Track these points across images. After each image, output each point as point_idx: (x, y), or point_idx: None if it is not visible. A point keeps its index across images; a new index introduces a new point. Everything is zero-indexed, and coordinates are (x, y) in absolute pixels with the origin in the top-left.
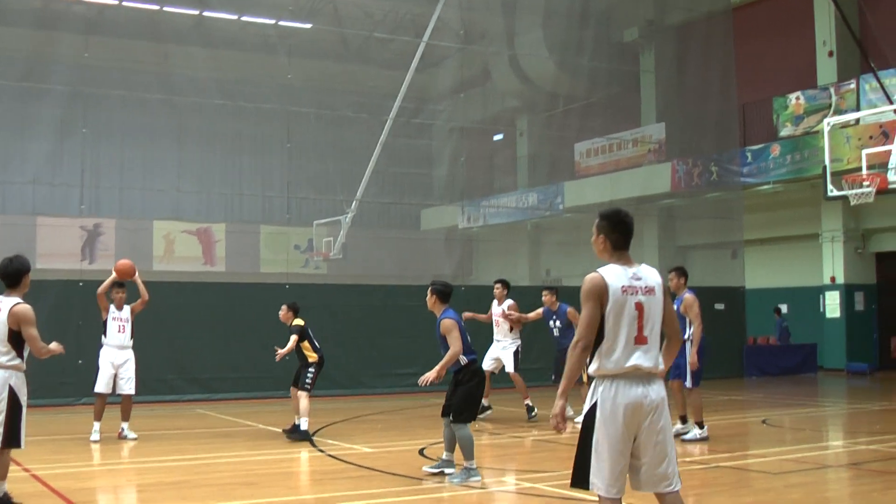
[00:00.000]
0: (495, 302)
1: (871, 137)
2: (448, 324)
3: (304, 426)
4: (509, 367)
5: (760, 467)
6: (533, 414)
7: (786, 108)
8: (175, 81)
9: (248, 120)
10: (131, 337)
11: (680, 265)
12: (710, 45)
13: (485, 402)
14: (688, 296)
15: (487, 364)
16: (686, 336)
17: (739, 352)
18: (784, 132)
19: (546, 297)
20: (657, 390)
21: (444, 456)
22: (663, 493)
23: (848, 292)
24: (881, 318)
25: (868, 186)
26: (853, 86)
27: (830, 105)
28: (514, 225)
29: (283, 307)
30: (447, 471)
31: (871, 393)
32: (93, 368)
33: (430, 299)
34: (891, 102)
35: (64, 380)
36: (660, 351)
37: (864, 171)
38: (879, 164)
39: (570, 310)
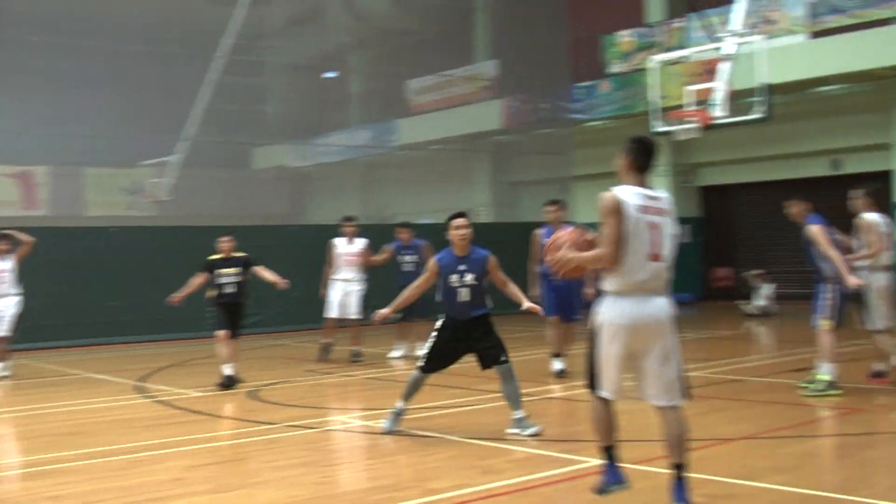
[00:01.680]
0: (343, 241)
1: (696, 74)
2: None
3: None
4: (356, 312)
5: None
6: (360, 358)
7: (615, 46)
8: None
9: (71, 57)
10: (14, 285)
11: (559, 198)
12: None
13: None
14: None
15: (336, 310)
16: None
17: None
18: (613, 69)
19: (403, 233)
20: (662, 306)
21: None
22: (664, 408)
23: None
24: (705, 250)
25: (693, 122)
26: (680, 24)
27: (659, 43)
28: (347, 163)
29: (227, 238)
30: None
31: (695, 322)
32: None
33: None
34: (715, 41)
35: None
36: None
37: (690, 108)
38: (704, 100)
39: (427, 245)
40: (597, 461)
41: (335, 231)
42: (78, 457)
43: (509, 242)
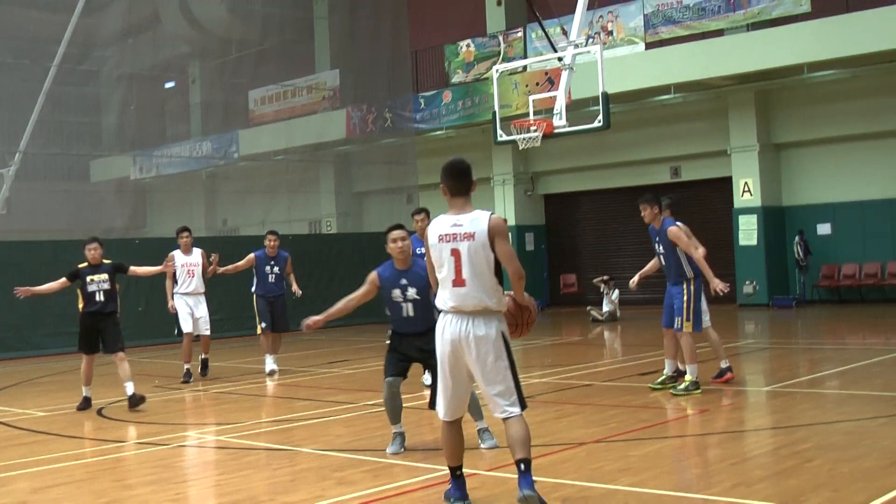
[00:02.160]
0: (178, 253)
1: (537, 84)
2: None
3: (129, 390)
4: (206, 328)
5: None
6: (197, 375)
7: (457, 56)
8: None
9: None
10: None
11: (425, 207)
12: None
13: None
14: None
15: (189, 325)
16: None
17: None
18: (455, 79)
19: (273, 241)
20: (480, 325)
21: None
22: (504, 419)
23: (519, 233)
24: (550, 256)
25: (535, 131)
26: (520, 34)
27: (499, 53)
28: (189, 174)
29: (95, 245)
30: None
31: (541, 328)
32: None
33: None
34: (555, 50)
35: None
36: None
37: (531, 117)
38: (545, 110)
39: (289, 258)
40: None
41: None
42: None
43: (355, 252)
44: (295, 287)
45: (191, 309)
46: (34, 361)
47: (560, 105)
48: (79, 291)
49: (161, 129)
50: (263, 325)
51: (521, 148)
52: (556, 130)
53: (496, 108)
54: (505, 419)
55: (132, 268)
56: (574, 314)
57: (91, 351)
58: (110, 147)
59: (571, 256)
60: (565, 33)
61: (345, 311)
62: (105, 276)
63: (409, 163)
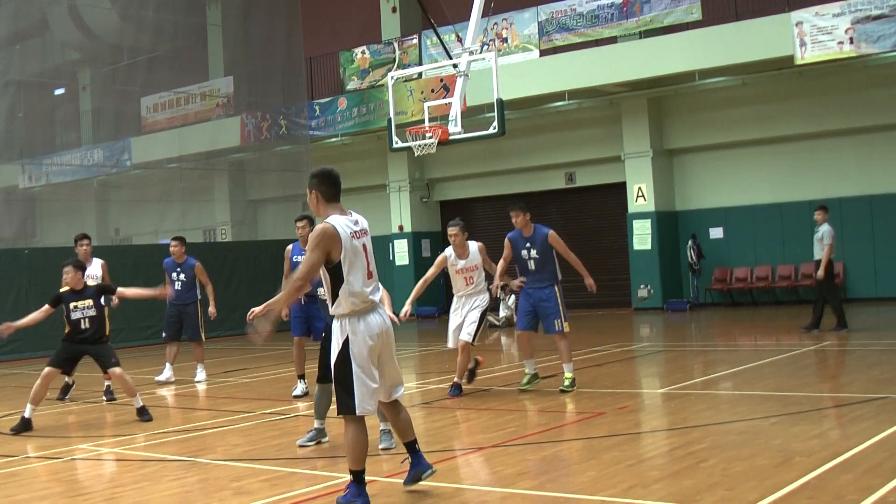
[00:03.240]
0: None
1: (433, 91)
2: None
3: (138, 403)
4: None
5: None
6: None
7: (352, 62)
8: None
9: None
10: None
11: (308, 214)
12: None
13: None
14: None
15: None
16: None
17: None
18: (350, 86)
19: (176, 247)
20: (386, 316)
21: (317, 424)
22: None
23: (415, 240)
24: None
25: (430, 138)
26: (415, 41)
27: (395, 59)
28: (80, 183)
29: (70, 269)
30: (324, 440)
31: (440, 334)
32: None
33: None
34: (450, 57)
35: None
36: None
37: (427, 123)
38: (441, 116)
39: (198, 265)
40: (346, 477)
41: (70, 253)
42: None
43: (250, 260)
44: (212, 307)
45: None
46: None
47: (455, 112)
48: (64, 318)
49: (51, 136)
50: (164, 334)
51: (416, 154)
52: (452, 137)
53: (391, 115)
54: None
55: (120, 289)
56: None
57: (66, 370)
58: None
59: None
60: (460, 40)
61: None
62: (90, 301)
63: (304, 170)
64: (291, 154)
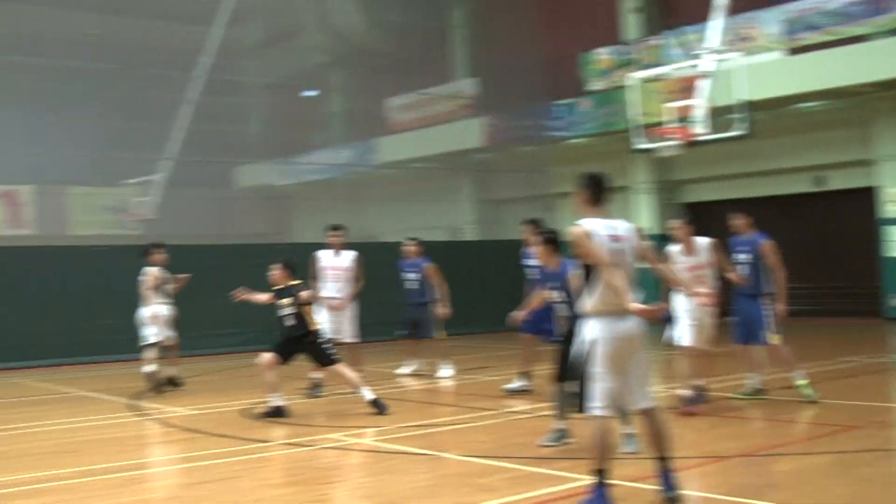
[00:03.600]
0: (329, 253)
1: (675, 91)
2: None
3: (368, 396)
4: (350, 335)
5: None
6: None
7: (594, 63)
8: None
9: (53, 78)
10: None
11: (535, 217)
12: (518, 0)
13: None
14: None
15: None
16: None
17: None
18: (593, 87)
19: (412, 247)
20: (636, 322)
21: (559, 425)
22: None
23: (659, 243)
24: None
25: (674, 139)
26: (658, 41)
27: (637, 60)
28: (329, 182)
29: (276, 267)
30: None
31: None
32: None
33: (542, 250)
34: (693, 57)
35: None
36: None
37: (670, 125)
38: (684, 117)
39: (429, 266)
40: (590, 479)
41: (320, 248)
42: (73, 475)
43: (493, 259)
44: (443, 307)
45: (332, 316)
46: (187, 362)
47: (699, 113)
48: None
49: (303, 137)
50: (404, 332)
51: (659, 156)
52: (696, 138)
53: (634, 116)
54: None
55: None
56: (722, 325)
57: (284, 359)
58: (254, 155)
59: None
60: (703, 40)
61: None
62: (289, 300)
63: (546, 171)
64: (534, 155)
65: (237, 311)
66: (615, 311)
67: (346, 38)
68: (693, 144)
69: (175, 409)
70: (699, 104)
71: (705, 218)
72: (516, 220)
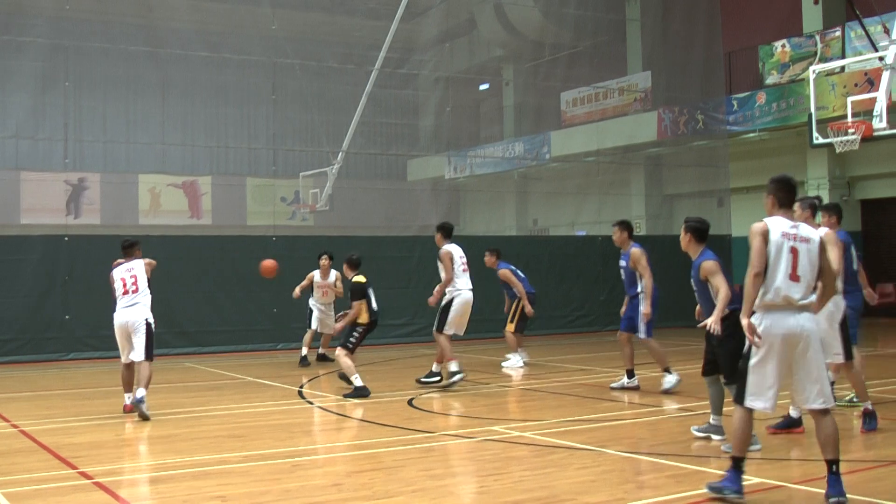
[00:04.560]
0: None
1: (856, 85)
2: (710, 266)
3: (357, 382)
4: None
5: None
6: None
7: (771, 56)
8: (158, 33)
9: (232, 72)
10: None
11: (625, 219)
12: None
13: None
14: (634, 250)
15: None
16: (638, 289)
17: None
18: (770, 80)
19: (489, 259)
20: (809, 321)
21: (712, 420)
22: (819, 410)
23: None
24: (866, 264)
25: (853, 134)
26: (838, 33)
27: (816, 53)
28: (501, 175)
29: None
30: (715, 437)
31: (859, 338)
32: (80, 324)
33: (685, 238)
34: (875, 50)
35: (51, 335)
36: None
37: (850, 119)
38: (864, 112)
39: (504, 271)
40: (756, 480)
41: (490, 241)
42: (241, 459)
43: (664, 253)
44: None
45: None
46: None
47: (880, 107)
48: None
49: (475, 130)
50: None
51: (837, 151)
52: (876, 133)
53: (812, 110)
54: (823, 410)
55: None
56: (892, 325)
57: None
58: (426, 147)
59: (890, 265)
60: (887, 32)
61: None
62: None
63: (720, 166)
64: (708, 149)
65: (405, 301)
66: (779, 307)
67: (521, 32)
68: (873, 139)
69: (342, 398)
70: (880, 97)
71: (884, 214)
72: (688, 214)
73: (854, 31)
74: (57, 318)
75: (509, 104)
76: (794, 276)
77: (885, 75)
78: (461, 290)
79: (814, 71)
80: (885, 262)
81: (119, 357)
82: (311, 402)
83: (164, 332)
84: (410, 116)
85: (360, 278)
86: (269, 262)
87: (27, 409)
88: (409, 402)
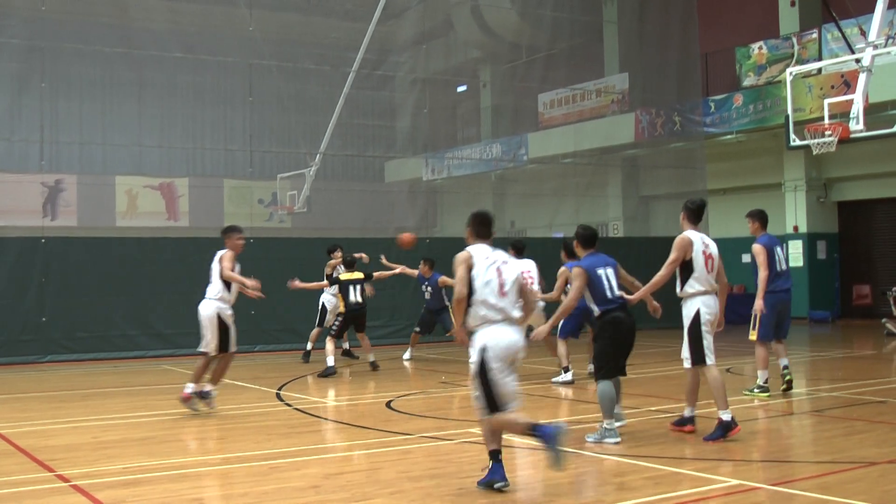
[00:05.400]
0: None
1: (832, 87)
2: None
3: (329, 362)
4: None
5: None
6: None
7: (748, 58)
8: (134, 34)
9: (208, 73)
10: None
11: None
12: None
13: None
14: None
15: None
16: None
17: None
18: (747, 82)
19: (423, 268)
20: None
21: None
22: None
23: (810, 241)
24: (843, 266)
25: (830, 136)
26: (815, 35)
27: (793, 55)
28: (479, 176)
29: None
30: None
31: (832, 340)
32: (56, 326)
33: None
34: (852, 52)
35: (27, 337)
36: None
37: (827, 121)
38: (841, 114)
39: (441, 278)
40: (734, 482)
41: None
42: (219, 461)
43: (641, 255)
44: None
45: None
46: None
47: (857, 109)
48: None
49: (452, 131)
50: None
51: (814, 153)
52: (853, 135)
53: (789, 112)
54: None
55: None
56: (867, 327)
57: None
58: (404, 149)
59: (866, 267)
60: (864, 34)
61: None
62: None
63: (697, 167)
64: (686, 151)
65: (383, 303)
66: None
67: (498, 34)
68: (850, 141)
69: (320, 399)
70: (857, 100)
71: (861, 216)
72: (666, 216)
73: (830, 34)
74: (33, 321)
75: (486, 106)
76: (502, 293)
77: (862, 77)
78: None
79: (791, 73)
80: (862, 264)
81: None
82: (289, 405)
83: (138, 333)
84: (387, 118)
85: (347, 275)
86: (407, 235)
87: (3, 411)
88: (388, 405)
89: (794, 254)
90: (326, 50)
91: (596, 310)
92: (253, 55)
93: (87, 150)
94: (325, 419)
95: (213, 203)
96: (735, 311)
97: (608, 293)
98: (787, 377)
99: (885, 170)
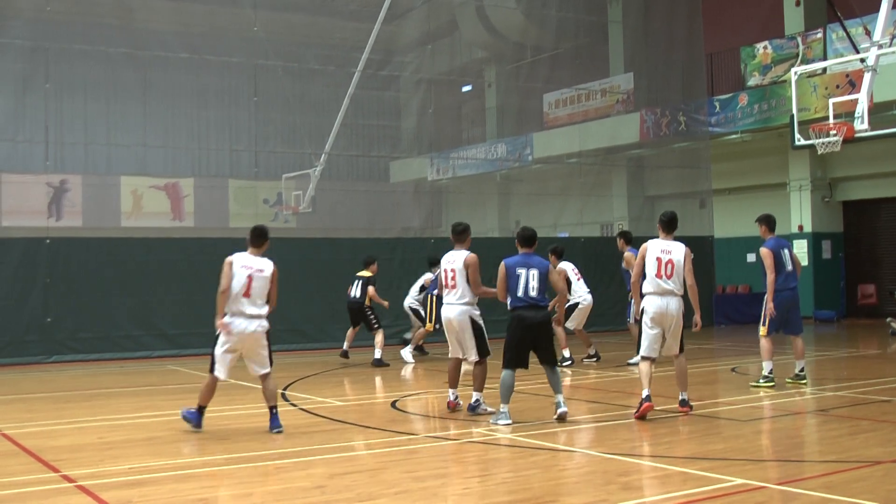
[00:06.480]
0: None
1: (837, 86)
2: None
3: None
4: None
5: (730, 414)
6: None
7: (753, 58)
8: (139, 35)
9: (214, 73)
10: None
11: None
12: None
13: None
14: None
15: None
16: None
17: (709, 300)
18: (751, 82)
19: (429, 277)
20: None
21: (502, 408)
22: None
23: (815, 241)
24: (848, 266)
25: (835, 135)
26: (820, 35)
27: (797, 54)
28: (484, 176)
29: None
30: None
31: (837, 340)
32: (61, 327)
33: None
34: (857, 51)
35: (32, 338)
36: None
37: (831, 121)
38: (846, 113)
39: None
40: (739, 481)
41: (474, 243)
42: (224, 461)
43: None
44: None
45: None
46: (332, 353)
47: (862, 108)
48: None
49: (457, 131)
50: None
51: (819, 152)
52: (858, 135)
53: (794, 112)
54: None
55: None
56: (872, 326)
57: None
58: (409, 149)
59: (871, 266)
60: (868, 33)
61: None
62: None
63: (702, 167)
64: (690, 151)
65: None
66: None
67: (503, 34)
68: (854, 141)
69: (324, 399)
70: (862, 99)
71: (866, 216)
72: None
73: (835, 33)
74: (38, 321)
75: (491, 106)
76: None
77: (867, 77)
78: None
79: (795, 72)
80: (867, 264)
81: None
82: (294, 405)
83: (143, 333)
84: (393, 118)
85: (364, 273)
86: None
87: (8, 412)
88: (392, 405)
89: (799, 253)
90: (331, 50)
91: (508, 304)
92: (258, 55)
93: (92, 150)
94: (330, 419)
95: (218, 203)
96: (741, 311)
97: (519, 291)
98: (803, 381)
99: (890, 169)
